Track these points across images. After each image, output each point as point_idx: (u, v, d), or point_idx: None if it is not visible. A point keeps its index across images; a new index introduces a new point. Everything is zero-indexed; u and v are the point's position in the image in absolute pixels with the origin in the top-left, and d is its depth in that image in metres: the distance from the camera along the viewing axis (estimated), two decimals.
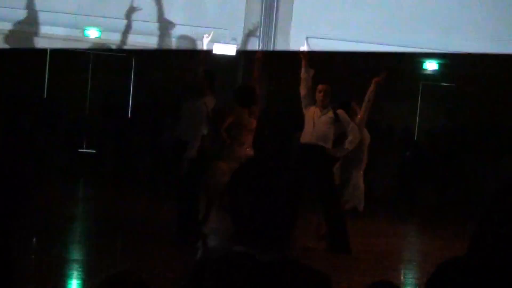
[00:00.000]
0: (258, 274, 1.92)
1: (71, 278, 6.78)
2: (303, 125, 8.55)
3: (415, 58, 17.01)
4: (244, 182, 2.01)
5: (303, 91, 8.53)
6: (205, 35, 9.06)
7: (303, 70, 8.48)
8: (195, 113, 8.03)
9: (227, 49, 16.02)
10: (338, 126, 8.41)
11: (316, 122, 8.34)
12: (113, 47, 16.75)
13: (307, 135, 8.38)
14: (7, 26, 12.16)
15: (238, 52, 15.61)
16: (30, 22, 12.72)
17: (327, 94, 8.47)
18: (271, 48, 12.30)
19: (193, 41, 15.95)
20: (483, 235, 2.04)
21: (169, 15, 13.27)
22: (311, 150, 8.29)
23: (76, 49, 16.29)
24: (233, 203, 2.00)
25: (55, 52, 16.72)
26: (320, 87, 8.52)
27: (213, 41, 13.09)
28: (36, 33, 14.05)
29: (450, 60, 16.69)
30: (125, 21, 14.54)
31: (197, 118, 8.02)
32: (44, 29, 12.62)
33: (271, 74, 13.22)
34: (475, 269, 2.00)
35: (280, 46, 11.62)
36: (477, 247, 2.03)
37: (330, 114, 8.43)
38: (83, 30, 16.08)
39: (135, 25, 14.66)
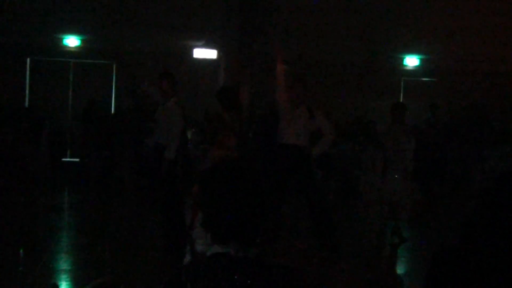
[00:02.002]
0: (235, 271, 1.93)
1: None
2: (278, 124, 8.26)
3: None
4: (214, 182, 2.03)
5: (277, 89, 8.22)
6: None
7: (277, 67, 8.19)
8: (168, 116, 7.98)
9: (208, 53, 16.08)
10: (313, 123, 8.07)
11: (290, 120, 8.01)
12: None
13: (283, 135, 8.08)
14: None
15: (219, 55, 15.68)
16: None
17: (300, 91, 8.10)
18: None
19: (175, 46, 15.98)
20: (476, 224, 2.08)
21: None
22: (288, 149, 8.00)
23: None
24: (205, 203, 2.03)
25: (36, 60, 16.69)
26: (293, 83, 8.15)
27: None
28: None
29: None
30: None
31: (170, 121, 7.95)
32: None
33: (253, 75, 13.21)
34: (470, 256, 2.04)
35: None
36: (471, 235, 2.08)
37: (304, 111, 8.06)
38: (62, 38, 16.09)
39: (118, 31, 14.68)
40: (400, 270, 8.21)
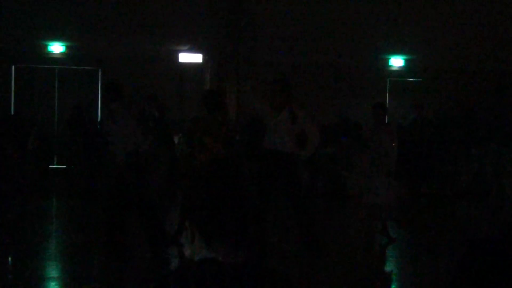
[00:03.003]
0: (225, 277, 1.93)
1: None
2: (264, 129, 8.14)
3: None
4: (201, 187, 2.03)
5: (260, 95, 8.16)
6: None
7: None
8: (113, 121, 8.05)
9: (193, 58, 16.08)
10: (296, 127, 7.86)
11: (274, 125, 7.88)
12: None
13: (268, 140, 7.94)
14: None
15: (204, 59, 15.69)
16: None
17: (283, 95, 7.89)
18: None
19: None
20: None
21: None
22: (273, 155, 7.87)
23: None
24: (193, 209, 2.02)
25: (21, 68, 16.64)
26: (273, 85, 7.96)
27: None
28: None
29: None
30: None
31: (117, 124, 8.01)
32: None
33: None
34: (508, 248, 2.05)
35: None
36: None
37: (288, 115, 7.86)
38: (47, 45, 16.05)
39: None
40: (389, 270, 8.23)
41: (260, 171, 8.00)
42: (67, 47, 16.35)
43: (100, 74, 17.03)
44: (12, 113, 16.17)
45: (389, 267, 8.32)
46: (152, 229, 7.90)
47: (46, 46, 16.23)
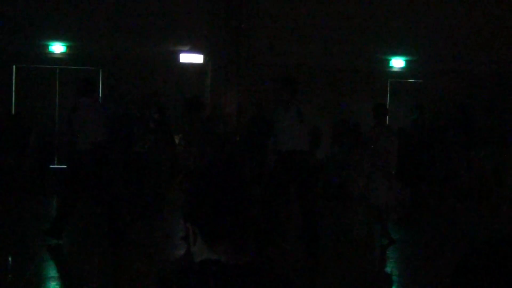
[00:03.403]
0: (227, 279, 1.93)
1: None
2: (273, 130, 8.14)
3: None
4: (200, 188, 2.02)
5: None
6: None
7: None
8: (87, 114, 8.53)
9: (194, 58, 16.07)
10: (305, 126, 7.81)
11: (283, 126, 7.82)
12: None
13: (280, 141, 7.84)
14: None
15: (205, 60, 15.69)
16: None
17: (289, 95, 7.79)
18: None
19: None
20: None
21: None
22: (287, 156, 7.76)
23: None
24: (192, 209, 2.02)
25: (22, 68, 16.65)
26: (278, 83, 7.87)
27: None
28: None
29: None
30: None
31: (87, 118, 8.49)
32: None
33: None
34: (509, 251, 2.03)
35: None
36: None
37: (295, 115, 7.74)
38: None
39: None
40: (389, 270, 8.23)
41: (276, 173, 7.84)
42: (68, 47, 16.35)
43: (101, 74, 17.02)
44: (13, 113, 16.16)
45: (389, 268, 8.31)
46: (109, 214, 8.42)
47: (47, 46, 16.23)
